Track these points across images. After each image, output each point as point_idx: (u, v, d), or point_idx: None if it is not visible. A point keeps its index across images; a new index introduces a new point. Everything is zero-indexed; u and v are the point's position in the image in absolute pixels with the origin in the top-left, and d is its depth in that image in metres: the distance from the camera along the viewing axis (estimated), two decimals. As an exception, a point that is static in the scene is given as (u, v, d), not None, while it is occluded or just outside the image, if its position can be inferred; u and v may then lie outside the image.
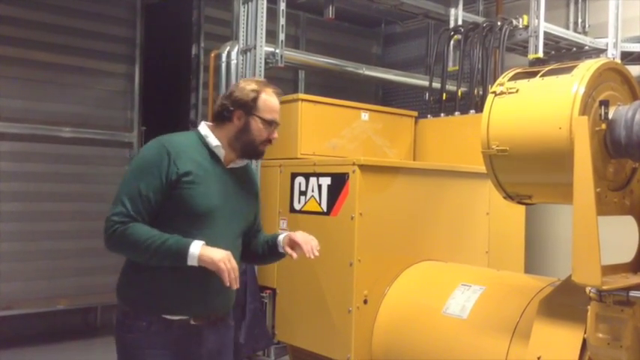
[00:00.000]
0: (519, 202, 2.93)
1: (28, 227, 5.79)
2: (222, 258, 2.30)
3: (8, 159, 5.70)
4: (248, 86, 2.57)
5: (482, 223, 4.33)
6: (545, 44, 5.27)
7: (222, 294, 2.51)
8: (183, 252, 2.31)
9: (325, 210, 3.81)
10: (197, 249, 2.31)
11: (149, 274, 2.43)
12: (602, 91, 2.58)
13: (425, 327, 3.35)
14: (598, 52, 5.72)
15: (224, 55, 4.54)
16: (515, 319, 2.94)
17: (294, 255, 2.66)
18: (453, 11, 5.89)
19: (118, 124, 6.31)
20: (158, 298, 2.44)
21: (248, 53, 4.50)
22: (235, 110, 2.54)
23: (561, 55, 5.75)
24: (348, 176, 3.65)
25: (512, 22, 5.23)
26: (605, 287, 2.34)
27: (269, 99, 2.58)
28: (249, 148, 2.56)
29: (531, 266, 4.89)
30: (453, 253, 4.04)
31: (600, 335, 2.41)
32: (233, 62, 4.51)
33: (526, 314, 2.92)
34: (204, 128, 2.58)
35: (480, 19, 6.02)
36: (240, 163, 2.62)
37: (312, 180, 3.92)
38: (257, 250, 2.77)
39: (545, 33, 5.25)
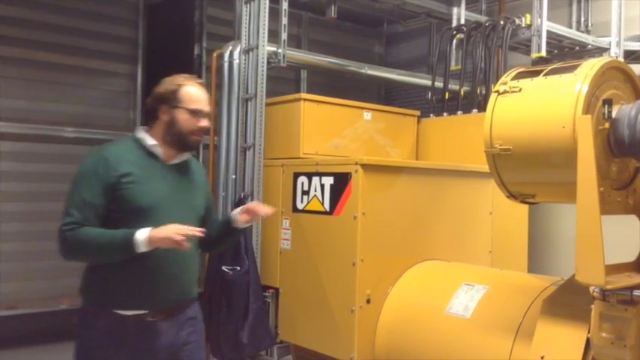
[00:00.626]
0: (522, 202, 2.93)
1: (30, 227, 5.80)
2: (170, 230, 2.40)
3: (10, 159, 5.71)
4: (169, 82, 2.71)
5: (485, 222, 4.33)
6: (548, 43, 5.25)
7: (175, 285, 2.62)
8: (131, 240, 2.41)
9: (328, 210, 3.80)
10: (144, 233, 2.41)
11: (102, 272, 2.55)
12: (605, 90, 2.58)
13: (428, 327, 3.35)
14: (601, 51, 5.70)
15: (226, 55, 4.54)
16: (518, 318, 2.94)
17: (248, 217, 2.81)
18: (455, 10, 5.88)
19: (121, 124, 6.32)
20: (111, 294, 2.54)
21: (250, 53, 4.50)
22: (160, 106, 2.68)
23: (564, 54, 5.73)
24: (350, 176, 3.65)
25: (514, 21, 5.22)
26: (608, 286, 2.34)
27: (191, 90, 2.68)
28: (181, 140, 2.66)
29: (534, 266, 4.89)
30: (456, 252, 4.03)
31: (604, 335, 2.41)
32: (235, 62, 4.50)
33: (529, 314, 2.91)
34: (139, 132, 2.72)
35: (482, 18, 6.01)
36: (181, 157, 2.73)
37: (315, 179, 3.92)
38: (211, 235, 2.85)
39: (548, 32, 5.23)
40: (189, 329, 2.71)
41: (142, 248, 2.42)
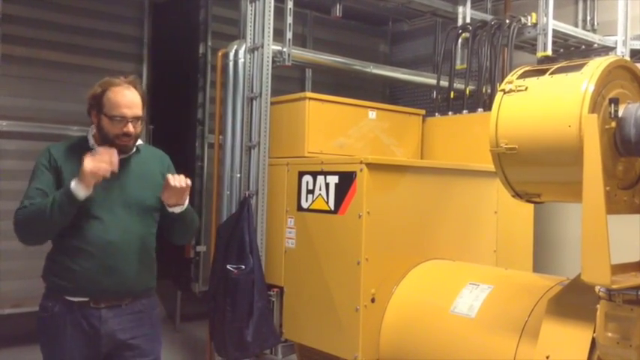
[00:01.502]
0: (528, 201, 2.92)
1: (36, 226, 5.80)
2: (89, 163, 2.55)
3: (16, 157, 5.72)
4: (97, 85, 2.81)
5: (490, 221, 4.32)
6: (553, 42, 5.23)
7: (115, 277, 2.71)
8: (68, 190, 2.56)
9: (333, 208, 3.80)
10: (74, 181, 2.57)
11: (53, 260, 2.76)
12: (611, 89, 2.57)
13: (432, 326, 3.35)
14: (607, 49, 5.68)
15: (231, 54, 4.54)
16: (523, 318, 2.93)
17: (165, 195, 2.80)
18: (460, 9, 5.87)
19: (126, 123, 6.32)
20: (58, 280, 2.71)
21: (255, 52, 4.50)
22: (91, 109, 2.82)
23: (570, 52, 5.72)
24: (355, 175, 3.65)
25: (520, 19, 5.20)
26: (614, 286, 2.33)
27: (113, 96, 2.75)
28: (108, 143, 2.74)
29: (540, 265, 4.87)
30: (460, 251, 4.03)
31: (609, 334, 2.40)
32: (240, 61, 4.51)
33: (534, 313, 2.90)
34: (88, 133, 2.88)
35: (488, 17, 5.99)
36: (125, 154, 2.80)
37: (320, 178, 3.92)
38: (166, 225, 2.95)
39: (554, 31, 5.22)
40: (136, 323, 2.80)
41: (81, 192, 2.56)
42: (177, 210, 2.86)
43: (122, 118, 2.72)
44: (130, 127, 2.74)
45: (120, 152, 2.76)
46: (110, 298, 2.73)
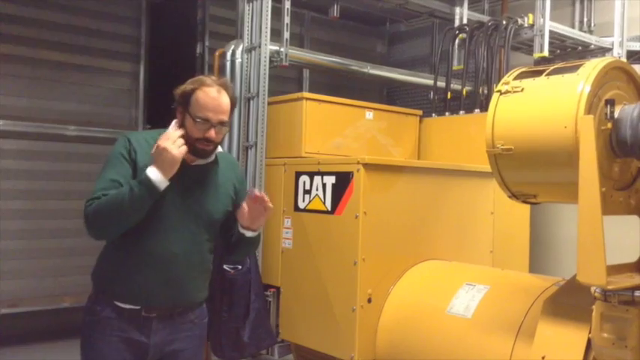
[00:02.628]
0: (524, 202, 2.92)
1: (33, 225, 5.81)
2: (161, 148, 2.38)
3: (13, 157, 5.73)
4: (191, 81, 2.60)
5: (486, 222, 4.32)
6: (550, 43, 5.25)
7: (172, 287, 2.56)
8: (147, 180, 2.38)
9: (329, 209, 3.80)
10: (151, 168, 2.40)
11: (108, 262, 2.59)
12: (607, 90, 2.57)
13: (429, 326, 3.35)
14: (603, 51, 5.70)
15: (229, 54, 4.54)
16: (519, 318, 2.94)
17: (245, 215, 2.62)
18: (458, 10, 5.88)
19: (123, 123, 6.33)
20: (112, 285, 2.55)
21: (253, 52, 4.50)
22: (178, 106, 2.59)
23: (567, 53, 5.73)
24: (352, 175, 3.65)
25: (517, 20, 5.21)
26: (610, 287, 2.33)
27: (203, 97, 2.53)
28: (189, 144, 2.52)
29: (536, 266, 4.88)
30: (457, 252, 4.03)
31: (605, 335, 2.40)
32: (238, 61, 4.51)
33: (530, 314, 2.91)
34: (171, 125, 2.60)
35: (485, 17, 6.01)
36: (204, 160, 2.62)
37: (317, 179, 3.92)
38: (231, 242, 2.77)
39: (551, 32, 5.23)
40: (186, 333, 2.65)
41: (160, 180, 2.40)
42: (248, 234, 2.69)
43: (206, 121, 2.51)
44: (212, 133, 2.52)
45: (198, 157, 2.59)
46: (164, 308, 2.57)
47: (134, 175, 2.49)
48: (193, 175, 2.60)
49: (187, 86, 2.58)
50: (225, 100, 2.56)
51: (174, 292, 2.57)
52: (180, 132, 2.46)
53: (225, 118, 2.56)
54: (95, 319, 2.57)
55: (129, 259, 2.52)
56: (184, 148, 2.44)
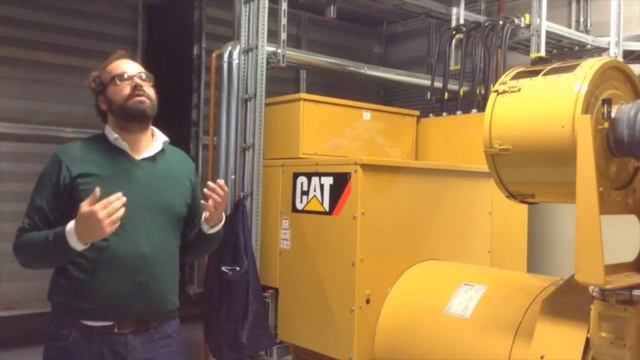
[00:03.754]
0: (522, 202, 2.92)
1: (30, 228, 5.78)
2: (92, 219, 2.10)
3: (10, 159, 5.71)
4: (93, 72, 2.54)
5: (484, 222, 4.33)
6: (547, 43, 5.25)
7: (143, 294, 2.36)
8: (63, 239, 2.18)
9: (327, 210, 3.80)
10: (70, 228, 2.16)
11: (66, 276, 2.37)
12: (604, 90, 2.58)
13: (427, 327, 3.35)
14: (600, 50, 5.70)
15: (226, 55, 4.53)
16: (518, 318, 2.94)
17: (210, 204, 2.49)
18: (454, 10, 5.88)
19: (120, 125, 6.31)
20: (74, 302, 2.34)
21: (250, 53, 4.50)
22: (97, 99, 2.51)
23: (563, 53, 5.73)
24: (350, 176, 3.65)
25: (514, 21, 5.22)
26: (608, 286, 2.33)
27: (110, 66, 2.48)
28: (124, 113, 2.41)
29: (534, 265, 4.89)
30: (455, 252, 4.03)
31: (603, 334, 2.41)
32: (235, 62, 4.50)
33: (529, 313, 2.91)
34: (106, 128, 2.52)
35: (481, 18, 6.01)
36: (150, 151, 2.50)
37: (314, 180, 3.92)
38: (187, 241, 2.64)
39: (547, 32, 5.23)
40: (166, 349, 2.45)
41: (78, 247, 2.18)
42: (214, 230, 2.57)
43: (124, 74, 2.42)
44: (138, 80, 2.42)
45: (139, 120, 2.43)
46: (138, 321, 2.36)
47: (70, 188, 2.33)
48: (146, 168, 2.46)
49: (93, 74, 2.53)
50: (136, 63, 2.52)
51: (147, 298, 2.37)
52: (121, 200, 2.14)
53: (143, 70, 2.49)
54: (61, 346, 2.35)
55: (88, 266, 2.30)
56: (116, 226, 2.15)
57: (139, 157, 2.47)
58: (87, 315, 2.32)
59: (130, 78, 2.43)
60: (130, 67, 2.47)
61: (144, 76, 2.48)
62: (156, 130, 2.59)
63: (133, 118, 2.43)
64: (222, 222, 2.62)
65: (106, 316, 2.32)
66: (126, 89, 2.41)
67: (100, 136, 2.51)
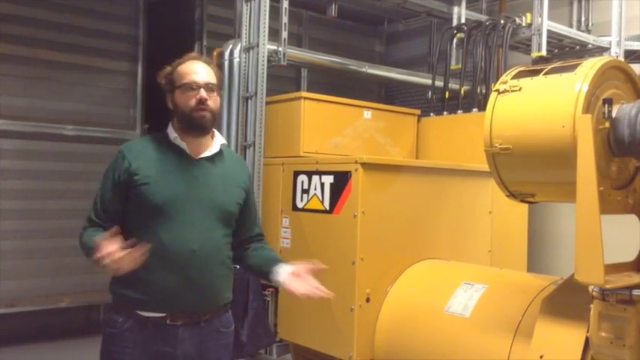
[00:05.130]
0: (522, 201, 2.92)
1: (30, 225, 5.80)
2: (102, 257, 2.20)
3: (11, 157, 5.72)
4: (167, 67, 2.57)
5: (484, 221, 4.33)
6: (548, 42, 5.25)
7: (194, 290, 2.44)
8: (90, 250, 2.30)
9: (328, 208, 3.80)
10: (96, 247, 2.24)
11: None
12: (605, 90, 2.57)
13: (427, 326, 3.35)
14: (601, 50, 5.70)
15: (227, 54, 4.54)
16: (517, 317, 2.94)
17: (297, 287, 2.56)
18: (455, 9, 5.88)
19: (121, 122, 6.32)
20: (132, 293, 2.42)
21: (251, 51, 4.50)
22: (166, 96, 2.57)
23: (564, 53, 5.73)
24: (350, 174, 3.65)
25: (515, 20, 5.22)
26: (608, 286, 2.33)
27: (182, 67, 2.52)
28: (187, 121, 2.49)
29: (534, 265, 4.89)
30: (455, 251, 4.03)
31: (603, 334, 2.41)
32: (236, 60, 4.51)
33: (529, 313, 2.91)
34: (169, 127, 2.58)
35: (483, 17, 6.01)
36: (209, 152, 2.56)
37: (315, 178, 3.92)
38: (249, 264, 2.74)
39: (549, 31, 5.23)
40: (214, 342, 2.53)
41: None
42: (277, 279, 2.60)
43: (193, 83, 2.46)
44: (203, 93, 2.45)
45: (199, 131, 2.51)
46: (189, 314, 2.44)
47: (127, 182, 2.44)
48: (205, 168, 2.55)
49: (167, 69, 2.56)
50: (205, 66, 2.53)
51: (197, 293, 2.45)
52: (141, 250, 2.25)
53: (212, 80, 2.51)
54: (116, 332, 2.44)
55: (148, 264, 2.33)
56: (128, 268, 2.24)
57: (197, 156, 2.55)
58: (141, 306, 2.42)
59: (198, 88, 2.47)
60: (199, 76, 2.49)
61: (211, 86, 2.51)
62: (216, 132, 2.65)
63: (193, 129, 2.52)
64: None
65: (159, 308, 2.41)
66: (192, 100, 2.47)
67: (162, 134, 2.60)
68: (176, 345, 2.42)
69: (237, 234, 2.67)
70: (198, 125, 2.50)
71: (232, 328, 2.65)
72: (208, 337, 2.51)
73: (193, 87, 2.47)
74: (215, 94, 2.53)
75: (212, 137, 2.62)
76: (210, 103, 2.49)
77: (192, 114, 2.47)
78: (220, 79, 2.63)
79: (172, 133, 2.55)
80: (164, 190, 2.42)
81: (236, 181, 2.64)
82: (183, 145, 2.53)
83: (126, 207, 2.46)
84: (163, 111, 2.66)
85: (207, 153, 2.57)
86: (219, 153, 2.61)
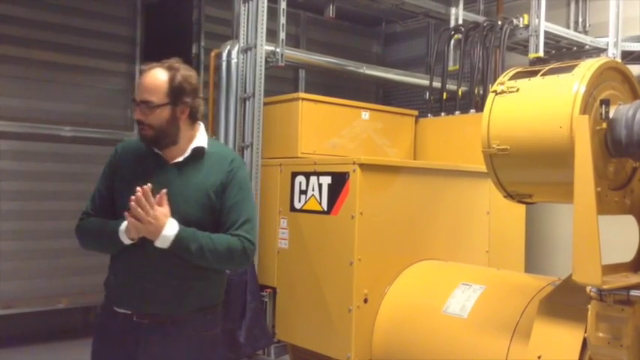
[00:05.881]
0: (520, 202, 2.93)
1: (28, 226, 5.78)
2: (134, 219, 2.33)
3: (9, 158, 5.70)
4: None
5: (482, 222, 4.33)
6: (545, 43, 5.27)
7: (163, 297, 2.44)
8: (116, 232, 2.41)
9: (326, 209, 3.80)
10: (124, 225, 2.39)
11: (111, 269, 2.59)
12: (602, 91, 2.58)
13: (425, 326, 3.35)
14: (598, 51, 5.72)
15: (224, 54, 4.54)
16: (515, 318, 2.94)
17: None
18: (453, 10, 5.90)
19: (119, 123, 6.31)
20: (109, 289, 2.57)
21: (249, 52, 4.50)
22: None
23: (562, 54, 5.75)
24: (348, 175, 3.65)
25: (512, 21, 5.23)
26: (605, 286, 2.34)
27: (140, 75, 2.50)
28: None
29: (532, 265, 4.89)
30: (453, 252, 4.04)
31: (601, 334, 2.41)
32: (233, 61, 4.51)
33: (526, 313, 2.91)
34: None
35: (480, 18, 6.02)
36: (182, 157, 2.50)
37: (313, 179, 3.92)
38: None
39: (546, 32, 5.25)
40: (185, 345, 2.48)
41: (126, 240, 2.41)
42: (157, 244, 2.40)
43: (134, 100, 2.45)
44: (137, 113, 2.43)
45: (145, 144, 2.51)
46: (155, 315, 2.45)
47: (112, 181, 2.56)
48: (169, 175, 2.49)
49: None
50: (152, 78, 2.43)
51: (160, 299, 2.44)
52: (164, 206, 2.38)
53: (148, 97, 2.41)
54: (99, 321, 2.64)
55: (118, 264, 2.54)
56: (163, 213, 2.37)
57: (172, 160, 2.53)
58: (114, 302, 2.53)
59: (136, 106, 2.46)
60: (139, 92, 2.45)
61: (147, 101, 2.42)
62: (199, 133, 2.57)
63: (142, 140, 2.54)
64: (163, 243, 2.40)
65: (125, 305, 2.50)
66: (136, 115, 2.49)
67: None
68: (140, 341, 2.46)
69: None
70: (145, 141, 2.51)
71: (213, 331, 2.60)
72: (178, 340, 2.47)
73: (136, 103, 2.46)
74: (157, 110, 2.41)
75: (193, 139, 2.55)
76: (146, 121, 2.42)
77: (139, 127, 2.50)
78: (179, 85, 2.46)
79: None
80: (128, 195, 2.35)
81: (204, 184, 2.51)
82: (158, 150, 2.52)
83: (113, 198, 2.57)
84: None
85: (179, 159, 2.52)
86: (196, 156, 2.53)
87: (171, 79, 2.45)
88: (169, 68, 2.46)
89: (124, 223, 2.39)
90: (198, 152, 2.54)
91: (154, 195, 2.36)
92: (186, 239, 2.40)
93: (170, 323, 2.46)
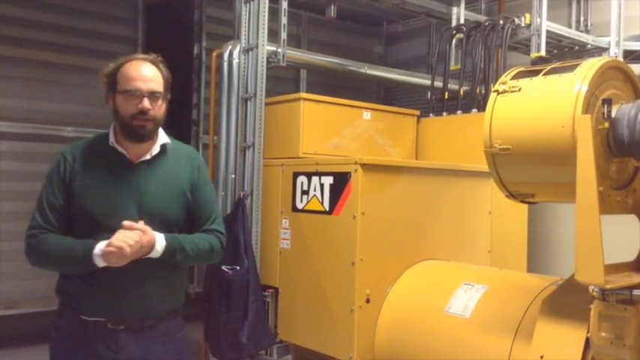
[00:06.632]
0: (522, 201, 2.93)
1: (29, 227, 5.79)
2: (116, 247, 2.22)
3: (10, 158, 5.71)
4: (114, 62, 2.43)
5: (484, 222, 4.33)
6: (547, 43, 5.25)
7: (138, 300, 2.40)
8: (90, 257, 2.27)
9: (327, 209, 3.80)
10: (100, 248, 2.26)
11: (77, 277, 2.42)
12: (604, 90, 2.58)
13: (427, 326, 3.35)
14: (600, 50, 5.70)
15: (226, 55, 4.54)
16: (517, 318, 2.94)
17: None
18: (455, 10, 5.88)
19: (120, 124, 6.31)
20: (74, 297, 2.42)
21: (250, 52, 4.50)
22: (107, 93, 2.44)
23: (563, 53, 5.73)
24: (350, 175, 3.65)
25: (514, 20, 5.22)
26: (608, 286, 2.34)
27: (127, 69, 2.38)
28: (126, 128, 2.39)
29: (534, 265, 4.89)
30: (455, 252, 4.03)
31: (603, 334, 2.41)
32: (235, 61, 4.51)
33: (529, 313, 2.91)
34: (111, 127, 2.49)
35: (482, 17, 6.01)
36: (149, 154, 2.46)
37: (314, 179, 3.92)
38: None
39: (548, 32, 5.23)
40: (160, 347, 2.47)
41: (101, 264, 2.28)
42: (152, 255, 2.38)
43: (136, 91, 2.34)
44: (146, 103, 2.34)
45: (138, 140, 2.41)
46: (131, 319, 2.40)
47: (71, 190, 2.39)
48: (139, 173, 2.44)
49: (110, 66, 2.42)
50: (153, 71, 2.40)
51: (136, 301, 2.40)
52: (143, 229, 2.28)
53: (157, 87, 2.39)
54: (60, 335, 2.47)
55: (89, 275, 2.36)
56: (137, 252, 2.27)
57: (137, 159, 2.46)
58: (82, 310, 2.40)
59: (141, 97, 2.37)
60: (143, 84, 2.37)
61: (157, 94, 2.40)
62: (160, 131, 2.53)
63: (132, 138, 2.43)
64: (156, 252, 2.38)
65: (99, 313, 2.39)
66: (132, 108, 2.37)
67: (103, 136, 2.51)
68: (117, 349, 2.39)
69: (191, 232, 2.56)
70: (137, 135, 2.41)
71: (182, 333, 2.59)
72: (154, 343, 2.46)
73: (137, 94, 2.36)
74: (160, 102, 2.42)
75: (155, 136, 2.51)
76: (152, 112, 2.39)
77: (132, 122, 2.38)
78: (168, 80, 2.48)
79: (112, 136, 2.46)
80: (100, 200, 2.35)
81: (178, 181, 2.51)
82: (121, 150, 2.44)
83: (69, 213, 2.40)
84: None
85: (146, 156, 2.46)
86: (162, 153, 2.50)
87: (166, 71, 2.47)
88: (159, 62, 2.47)
89: (98, 246, 2.26)
90: (164, 149, 2.52)
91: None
92: (173, 248, 2.40)
93: (147, 328, 2.44)
